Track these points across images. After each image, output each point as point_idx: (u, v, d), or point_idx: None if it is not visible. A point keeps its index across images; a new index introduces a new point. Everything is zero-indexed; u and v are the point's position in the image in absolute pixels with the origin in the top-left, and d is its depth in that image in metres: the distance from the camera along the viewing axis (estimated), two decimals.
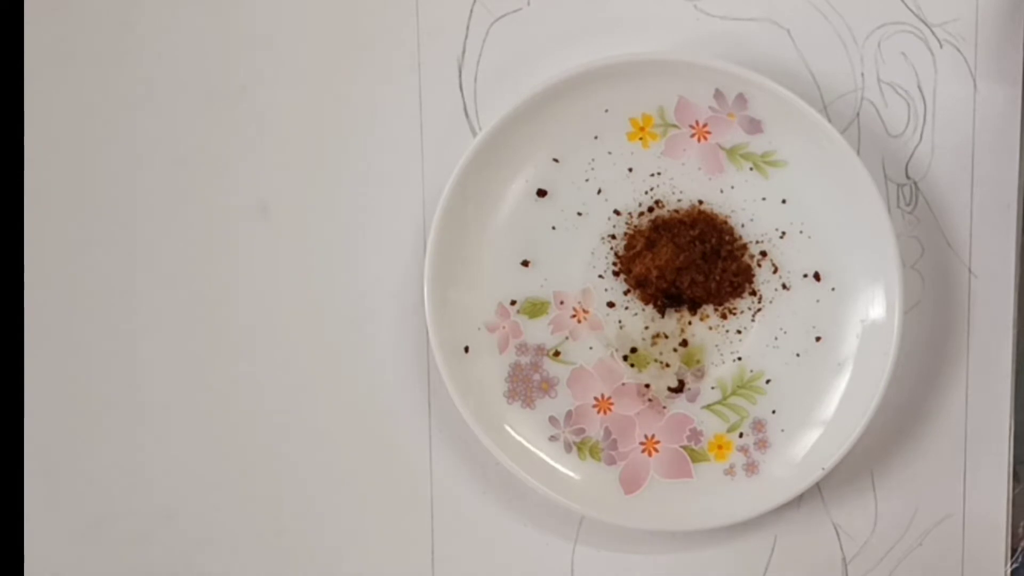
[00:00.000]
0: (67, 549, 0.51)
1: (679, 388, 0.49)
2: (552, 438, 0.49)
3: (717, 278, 0.48)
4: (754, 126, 0.47)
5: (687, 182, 0.48)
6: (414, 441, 0.50)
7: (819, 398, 0.48)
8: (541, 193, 0.48)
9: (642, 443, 0.49)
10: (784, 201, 0.48)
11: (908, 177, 0.49)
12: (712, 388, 0.49)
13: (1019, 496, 0.50)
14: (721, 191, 0.48)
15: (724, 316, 0.49)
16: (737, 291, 0.48)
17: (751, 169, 0.48)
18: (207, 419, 0.50)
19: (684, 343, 0.49)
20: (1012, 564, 0.50)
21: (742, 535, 0.50)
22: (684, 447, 0.49)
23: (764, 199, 0.48)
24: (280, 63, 0.49)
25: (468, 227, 0.48)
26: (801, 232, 0.48)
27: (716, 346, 0.49)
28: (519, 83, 0.48)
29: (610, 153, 0.48)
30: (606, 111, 0.48)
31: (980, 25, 0.48)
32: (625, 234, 0.48)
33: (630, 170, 0.48)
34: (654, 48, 0.48)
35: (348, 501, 0.51)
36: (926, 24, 0.48)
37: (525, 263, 0.49)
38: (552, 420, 0.49)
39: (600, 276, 0.49)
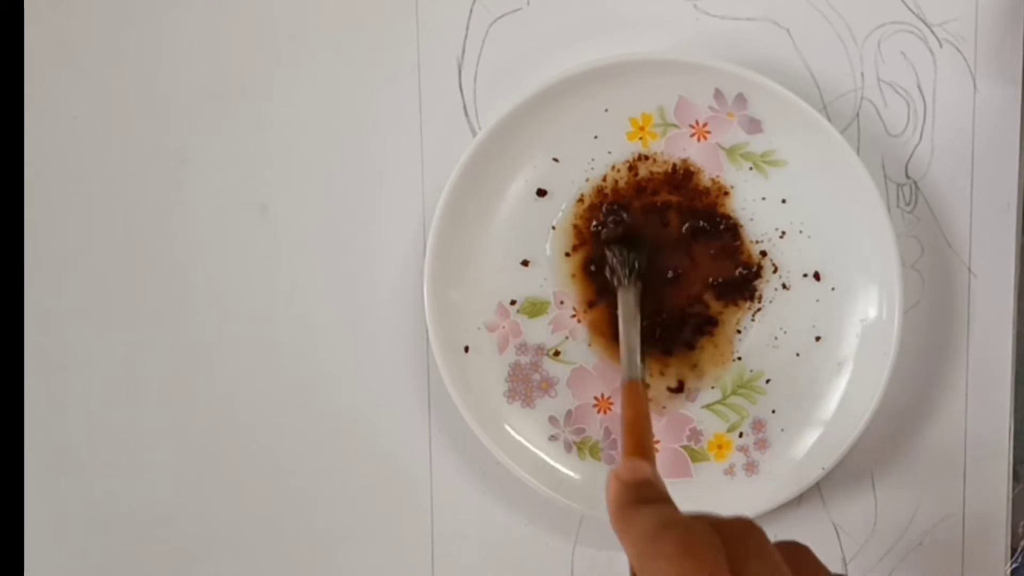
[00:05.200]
0: (67, 549, 0.51)
1: (679, 388, 0.49)
2: (552, 438, 0.49)
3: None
4: (754, 126, 0.47)
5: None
6: (414, 441, 0.50)
7: (819, 398, 0.48)
8: (541, 193, 0.48)
9: None
10: (784, 201, 0.48)
11: (908, 177, 0.49)
12: (712, 388, 0.49)
13: (1019, 496, 0.50)
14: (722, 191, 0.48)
15: None
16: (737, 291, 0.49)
17: (751, 169, 0.48)
18: (207, 418, 0.50)
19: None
20: (1012, 564, 0.50)
21: None
22: (684, 447, 0.49)
23: (764, 199, 0.48)
24: (280, 63, 0.49)
25: (468, 227, 0.48)
26: (801, 232, 0.48)
27: (716, 346, 0.49)
28: (519, 83, 0.48)
29: (610, 153, 0.48)
30: (606, 111, 0.48)
31: (980, 25, 0.48)
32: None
33: (630, 169, 0.48)
34: (654, 48, 0.48)
35: (348, 501, 0.51)
36: (926, 24, 0.48)
37: (525, 263, 0.49)
38: (552, 420, 0.49)
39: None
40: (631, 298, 0.46)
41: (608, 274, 0.47)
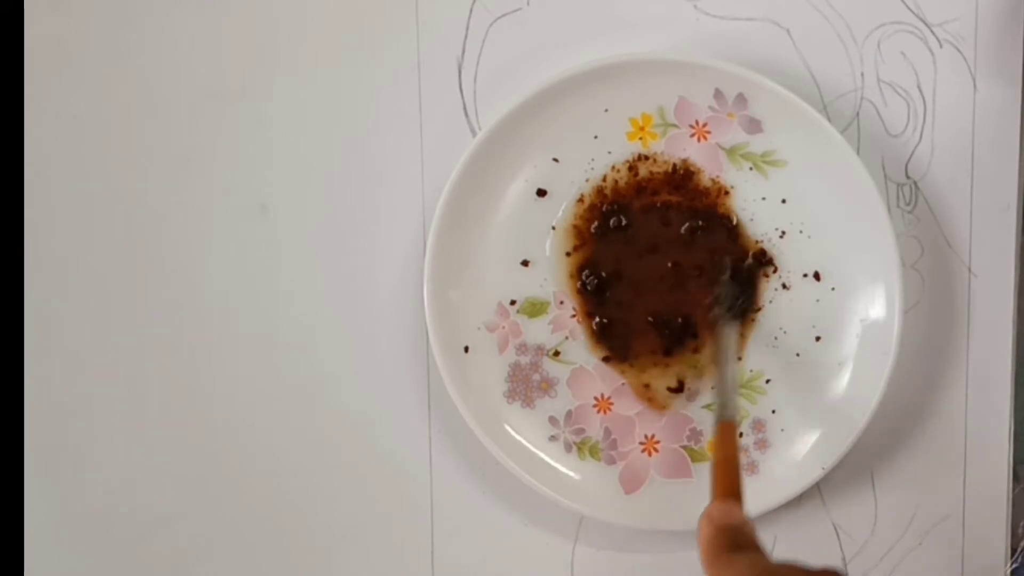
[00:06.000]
0: (67, 549, 0.51)
1: (679, 388, 0.49)
2: (552, 438, 0.49)
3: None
4: (754, 126, 0.47)
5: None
6: (414, 441, 0.50)
7: (819, 398, 0.48)
8: (541, 193, 0.48)
9: (642, 443, 0.49)
10: (784, 201, 0.48)
11: (908, 177, 0.49)
12: (712, 388, 0.49)
13: (1019, 496, 0.50)
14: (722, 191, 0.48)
15: None
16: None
17: (751, 169, 0.48)
18: (207, 418, 0.50)
19: None
20: (1012, 564, 0.50)
21: None
22: (684, 447, 0.49)
23: (764, 199, 0.48)
24: (280, 63, 0.49)
25: (468, 227, 0.48)
26: (801, 232, 0.48)
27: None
28: (519, 83, 0.48)
29: (610, 153, 0.48)
30: (606, 111, 0.48)
31: (980, 25, 0.48)
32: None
33: (630, 169, 0.48)
34: (654, 48, 0.48)
35: (348, 501, 0.51)
36: (926, 24, 0.48)
37: (525, 263, 0.49)
38: (552, 420, 0.49)
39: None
40: (732, 335, 0.46)
41: (713, 308, 0.47)
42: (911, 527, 0.50)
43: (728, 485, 0.40)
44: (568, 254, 0.49)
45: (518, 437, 0.48)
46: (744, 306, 0.47)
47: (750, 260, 0.47)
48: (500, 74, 0.49)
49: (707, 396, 0.49)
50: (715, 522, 0.37)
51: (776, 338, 0.48)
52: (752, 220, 0.48)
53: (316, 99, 0.49)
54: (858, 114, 0.49)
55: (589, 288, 0.48)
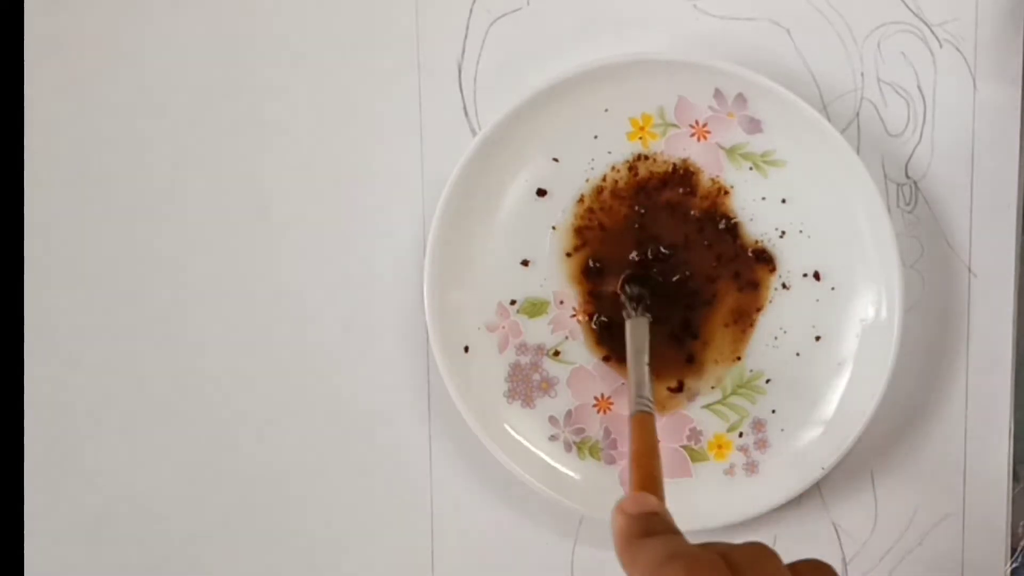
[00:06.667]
0: (67, 549, 0.51)
1: (679, 388, 0.49)
2: (552, 438, 0.49)
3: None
4: (754, 126, 0.47)
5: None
6: (414, 441, 0.50)
7: (819, 398, 0.48)
8: (541, 193, 0.48)
9: None
10: (784, 201, 0.48)
11: (908, 177, 0.49)
12: (712, 388, 0.49)
13: (1019, 496, 0.50)
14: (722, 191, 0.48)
15: None
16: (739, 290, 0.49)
17: (751, 169, 0.48)
18: (207, 418, 0.50)
19: None
20: (1012, 564, 0.50)
21: (742, 535, 0.49)
22: (684, 447, 0.49)
23: (764, 199, 0.48)
24: (280, 63, 0.49)
25: (468, 227, 0.48)
26: (801, 232, 0.48)
27: (716, 346, 0.49)
28: (519, 83, 0.48)
29: (610, 153, 0.48)
30: (606, 111, 0.48)
31: (980, 25, 0.48)
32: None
33: (630, 169, 0.48)
34: (654, 48, 0.48)
35: (348, 501, 0.51)
36: (926, 24, 0.48)
37: (525, 263, 0.49)
38: (552, 420, 0.49)
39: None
40: (640, 329, 0.46)
41: (624, 308, 0.47)
42: (911, 527, 0.50)
43: (643, 477, 0.38)
44: (568, 254, 0.49)
45: (518, 437, 0.48)
46: (648, 301, 0.47)
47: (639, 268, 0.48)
48: (500, 74, 0.49)
49: (707, 396, 0.49)
50: (628, 510, 0.35)
51: (776, 338, 0.48)
52: (752, 220, 0.48)
53: (316, 99, 0.49)
54: (858, 114, 0.49)
55: (589, 288, 0.48)
